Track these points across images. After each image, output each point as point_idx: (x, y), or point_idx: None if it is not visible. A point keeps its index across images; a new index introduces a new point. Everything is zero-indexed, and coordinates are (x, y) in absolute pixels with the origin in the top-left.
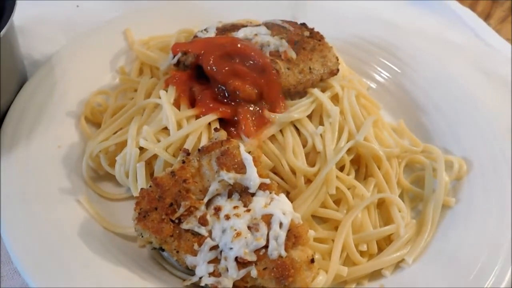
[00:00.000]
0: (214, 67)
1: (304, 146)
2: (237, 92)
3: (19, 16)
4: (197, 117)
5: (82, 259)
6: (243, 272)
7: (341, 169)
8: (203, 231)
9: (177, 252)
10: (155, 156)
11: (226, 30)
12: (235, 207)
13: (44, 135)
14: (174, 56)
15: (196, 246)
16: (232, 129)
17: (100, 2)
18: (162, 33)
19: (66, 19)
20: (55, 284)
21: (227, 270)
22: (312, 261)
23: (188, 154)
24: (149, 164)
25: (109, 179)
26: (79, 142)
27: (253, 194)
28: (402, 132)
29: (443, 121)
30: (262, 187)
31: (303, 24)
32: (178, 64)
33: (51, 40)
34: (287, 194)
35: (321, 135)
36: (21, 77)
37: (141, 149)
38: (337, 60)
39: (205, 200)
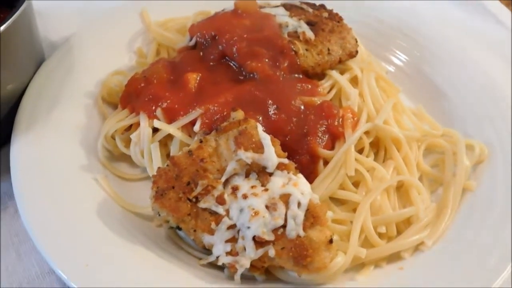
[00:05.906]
0: (233, 48)
1: None
2: (255, 74)
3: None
4: None
5: (100, 237)
6: (260, 251)
7: (360, 151)
8: (220, 210)
9: (194, 231)
10: (170, 137)
11: None
12: (252, 187)
13: (61, 115)
14: (192, 38)
15: (213, 225)
16: None
17: None
18: (179, 16)
19: (83, 2)
20: (74, 261)
21: (244, 249)
22: (331, 241)
23: (207, 133)
24: (165, 145)
25: (124, 160)
26: (97, 122)
27: (271, 174)
28: (421, 117)
29: (462, 106)
30: (280, 167)
31: (322, 6)
32: (195, 46)
33: (68, 22)
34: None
35: None
36: (39, 57)
37: (156, 130)
38: (356, 42)
39: (223, 179)
